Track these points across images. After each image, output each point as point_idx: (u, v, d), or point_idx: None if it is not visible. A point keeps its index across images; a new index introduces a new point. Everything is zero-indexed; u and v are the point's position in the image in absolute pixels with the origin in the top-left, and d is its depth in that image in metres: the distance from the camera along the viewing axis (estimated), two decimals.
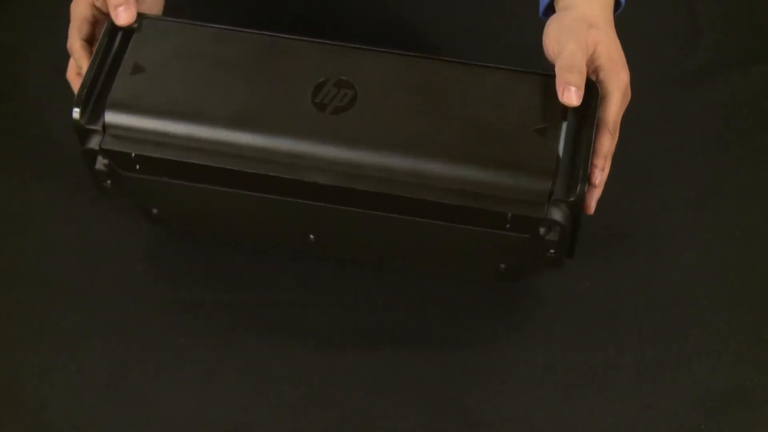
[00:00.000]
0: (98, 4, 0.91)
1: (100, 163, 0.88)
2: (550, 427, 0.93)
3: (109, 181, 0.90)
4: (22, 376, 0.95)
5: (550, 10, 0.93)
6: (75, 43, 0.91)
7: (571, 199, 0.83)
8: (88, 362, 0.96)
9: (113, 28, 0.90)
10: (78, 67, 0.92)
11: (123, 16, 0.89)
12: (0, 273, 1.00)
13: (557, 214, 0.84)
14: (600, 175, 0.86)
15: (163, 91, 0.87)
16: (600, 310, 0.98)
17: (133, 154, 0.87)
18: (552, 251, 0.87)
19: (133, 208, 0.99)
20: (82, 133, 0.88)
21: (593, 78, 0.87)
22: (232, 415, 0.93)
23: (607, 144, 0.86)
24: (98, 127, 0.87)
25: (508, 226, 0.85)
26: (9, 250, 1.01)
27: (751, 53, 1.15)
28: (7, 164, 1.06)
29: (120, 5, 0.89)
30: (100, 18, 0.92)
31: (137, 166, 0.88)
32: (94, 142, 0.87)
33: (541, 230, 0.85)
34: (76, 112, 0.87)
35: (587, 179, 0.84)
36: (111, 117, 0.87)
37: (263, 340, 0.97)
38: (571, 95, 0.84)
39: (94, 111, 0.87)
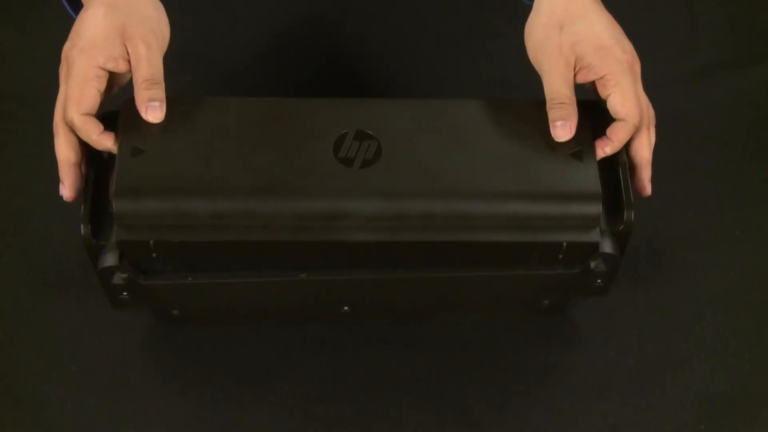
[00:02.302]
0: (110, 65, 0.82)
1: (118, 277, 0.83)
2: (550, 427, 0.93)
3: (125, 293, 0.85)
4: (22, 376, 0.95)
5: None
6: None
7: (620, 228, 0.81)
8: (88, 362, 0.96)
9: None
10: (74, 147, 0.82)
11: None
12: (0, 273, 1.00)
13: (607, 245, 0.82)
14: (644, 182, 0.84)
15: (172, 169, 0.80)
16: (600, 310, 0.98)
17: (151, 242, 0.79)
18: (599, 281, 0.85)
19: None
20: (94, 251, 0.81)
21: (593, 77, 0.82)
22: (232, 415, 0.93)
23: (622, 134, 0.81)
24: (109, 241, 0.81)
25: (560, 257, 0.82)
26: (9, 250, 1.01)
27: (751, 53, 1.15)
28: (7, 164, 1.06)
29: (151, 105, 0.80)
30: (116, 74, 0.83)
31: (154, 255, 0.81)
32: (109, 260, 0.81)
33: (592, 264, 0.83)
34: (85, 231, 0.80)
35: (632, 206, 0.81)
36: (121, 206, 0.79)
37: (263, 339, 0.97)
38: (557, 131, 0.82)
39: (103, 226, 0.81)
